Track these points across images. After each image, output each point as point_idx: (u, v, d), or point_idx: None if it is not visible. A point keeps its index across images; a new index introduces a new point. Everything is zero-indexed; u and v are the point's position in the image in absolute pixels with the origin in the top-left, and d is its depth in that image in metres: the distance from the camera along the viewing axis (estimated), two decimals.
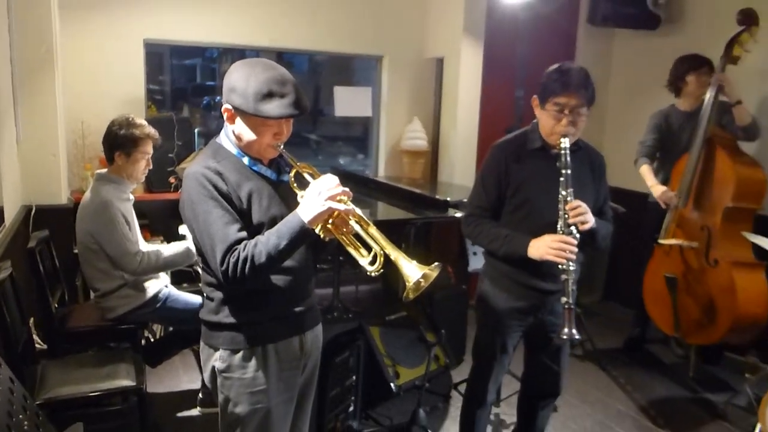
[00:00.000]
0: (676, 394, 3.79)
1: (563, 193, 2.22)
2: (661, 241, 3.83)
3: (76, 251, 3.05)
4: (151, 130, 2.93)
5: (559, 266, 2.19)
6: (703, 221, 3.69)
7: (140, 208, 3.16)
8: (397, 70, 4.92)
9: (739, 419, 3.41)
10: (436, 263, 1.72)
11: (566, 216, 2.21)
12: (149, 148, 2.94)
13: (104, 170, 2.99)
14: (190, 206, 1.72)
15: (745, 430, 3.20)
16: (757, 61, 3.97)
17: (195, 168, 1.74)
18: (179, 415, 3.25)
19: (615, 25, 4.87)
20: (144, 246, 2.98)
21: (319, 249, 1.95)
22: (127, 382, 2.53)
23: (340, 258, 4.34)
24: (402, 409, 3.28)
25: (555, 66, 2.31)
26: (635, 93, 4.97)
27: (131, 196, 3.01)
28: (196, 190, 1.71)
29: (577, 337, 2.19)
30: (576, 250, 2.18)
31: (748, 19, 3.57)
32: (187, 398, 3.35)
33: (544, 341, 2.49)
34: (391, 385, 3.20)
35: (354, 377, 3.07)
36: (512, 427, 2.84)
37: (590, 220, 2.24)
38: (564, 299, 2.20)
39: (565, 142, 2.23)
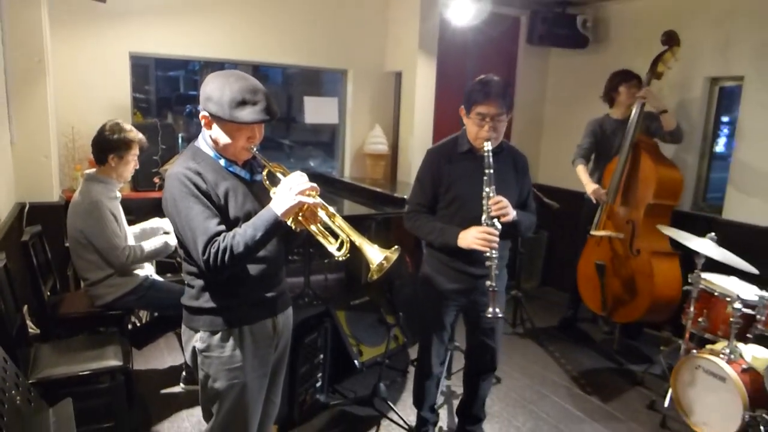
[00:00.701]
0: (603, 365, 3.89)
1: (486, 190, 2.29)
2: (592, 233, 3.94)
3: (67, 245, 2.98)
4: (140, 135, 2.93)
5: (485, 254, 2.27)
6: (629, 215, 3.81)
7: (127, 205, 3.12)
8: (360, 82, 4.94)
9: (655, 385, 3.54)
10: (396, 246, 1.76)
11: (489, 210, 2.28)
12: (137, 151, 2.93)
13: (93, 170, 2.94)
14: (173, 203, 1.72)
15: (660, 395, 3.30)
16: (676, 75, 4.13)
17: (176, 169, 1.74)
18: (163, 392, 3.21)
19: (550, 45, 4.97)
20: (131, 240, 2.94)
21: (291, 240, 1.96)
22: (115, 363, 2.50)
23: (311, 250, 4.34)
24: (365, 383, 3.30)
25: (477, 78, 2.37)
26: (568, 103, 5.10)
27: (119, 194, 2.97)
28: (177, 189, 1.71)
29: (500, 315, 2.28)
30: (498, 239, 2.26)
31: (671, 40, 3.71)
32: (170, 377, 3.31)
33: (478, 319, 2.56)
34: (355, 362, 3.23)
35: (322, 355, 3.09)
36: (461, 397, 2.89)
37: (510, 213, 2.31)
38: (488, 282, 2.27)
39: (488, 146, 2.30)
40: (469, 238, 2.31)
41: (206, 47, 4.26)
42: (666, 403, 3.18)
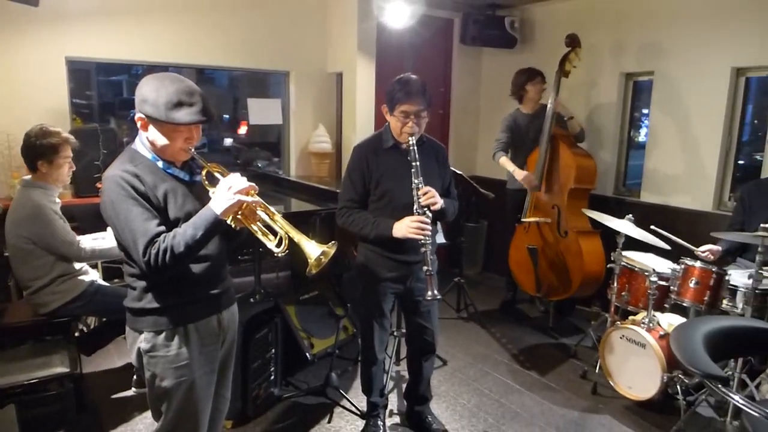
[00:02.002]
0: (540, 341, 4.04)
1: (415, 181, 2.35)
2: (523, 220, 4.09)
3: (6, 254, 2.84)
4: (67, 135, 2.76)
5: (419, 241, 2.33)
6: (554, 201, 3.97)
7: (70, 212, 3.00)
8: (302, 83, 4.91)
9: (586, 356, 3.70)
10: (333, 242, 1.78)
11: (419, 200, 2.34)
12: (69, 152, 2.77)
13: (29, 177, 2.79)
14: (111, 206, 1.68)
15: (591, 365, 3.46)
16: (583, 74, 4.31)
17: (113, 171, 1.70)
18: (115, 397, 3.11)
19: (482, 45, 5.08)
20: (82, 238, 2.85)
21: (232, 238, 1.94)
22: (62, 370, 2.42)
23: (260, 249, 4.29)
24: (317, 374, 3.30)
25: (397, 78, 2.42)
26: (501, 99, 5.21)
27: (58, 200, 2.84)
28: (115, 192, 1.66)
29: (438, 296, 2.35)
30: (430, 227, 2.33)
31: (573, 42, 3.93)
32: (122, 381, 3.21)
33: (415, 304, 2.62)
34: (307, 354, 3.23)
35: (273, 350, 3.07)
36: (408, 380, 2.94)
37: (439, 201, 2.40)
38: (425, 267, 2.34)
39: (412, 140, 2.35)
40: (404, 228, 2.36)
41: (148, 51, 4.13)
42: (596, 372, 3.34)
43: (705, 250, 3.22)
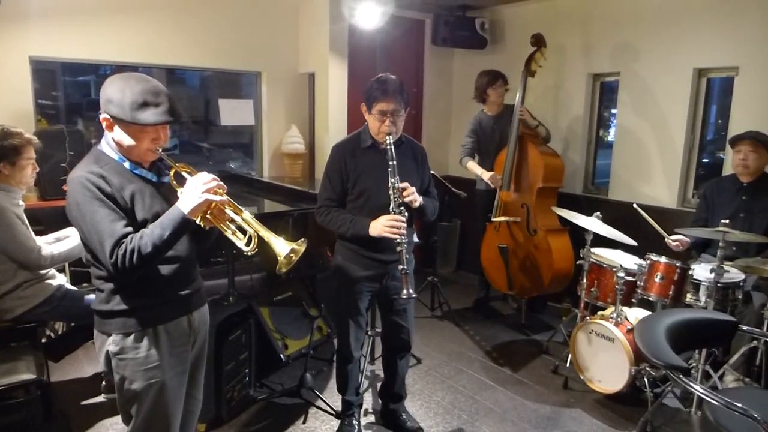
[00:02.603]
0: (513, 338, 4.09)
1: (392, 180, 2.36)
2: (493, 219, 4.14)
3: None
4: (29, 136, 2.69)
5: (395, 240, 2.35)
6: (523, 200, 4.03)
7: (35, 215, 2.92)
8: (274, 83, 4.88)
9: (557, 352, 3.75)
10: (302, 239, 1.78)
11: (396, 199, 2.36)
12: (32, 153, 2.70)
13: None
14: (77, 208, 1.65)
15: (562, 360, 3.53)
16: (551, 75, 4.39)
17: (78, 173, 1.67)
18: (85, 403, 3.05)
19: (453, 46, 5.12)
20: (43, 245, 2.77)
21: (202, 239, 1.92)
22: (27, 376, 2.35)
23: (234, 251, 4.25)
24: (292, 375, 3.29)
25: (375, 77, 2.44)
26: (471, 99, 5.26)
27: (21, 202, 2.76)
28: (81, 193, 1.64)
29: (414, 295, 2.37)
30: (405, 226, 2.35)
31: (538, 41, 4.00)
32: (91, 387, 3.15)
33: (391, 302, 2.64)
34: (281, 355, 3.22)
35: (247, 352, 3.05)
36: (383, 379, 2.95)
37: (418, 198, 2.42)
38: (401, 267, 2.36)
39: (389, 140, 2.37)
40: (380, 227, 2.37)
41: (116, 51, 4.06)
42: (567, 367, 3.40)
43: (675, 239, 3.30)
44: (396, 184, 2.36)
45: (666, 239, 3.28)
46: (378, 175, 2.43)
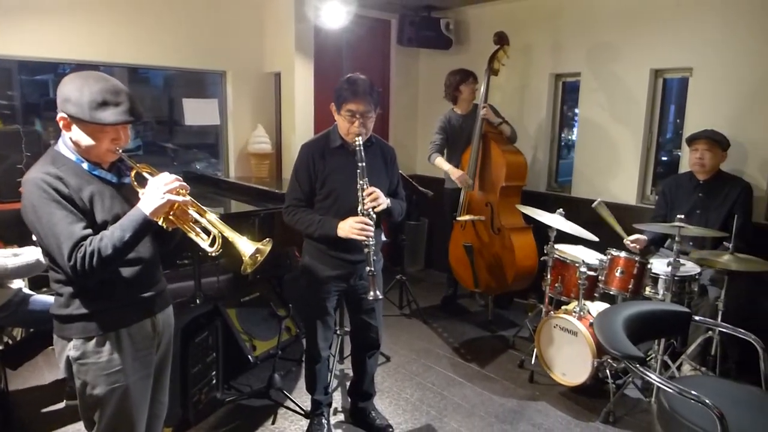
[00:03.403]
0: (480, 334, 4.15)
1: (360, 182, 2.37)
2: (458, 218, 4.19)
3: None
4: None
5: (362, 242, 2.36)
6: (486, 198, 4.09)
7: None
8: (240, 83, 4.83)
9: (523, 347, 3.83)
10: (267, 239, 1.77)
11: (364, 201, 2.36)
12: None
13: None
14: (33, 210, 1.60)
15: (528, 354, 3.59)
16: (515, 75, 4.47)
17: (34, 174, 1.62)
18: (46, 410, 2.96)
19: (418, 46, 5.15)
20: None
21: (165, 240, 1.90)
22: None
23: (200, 253, 4.18)
24: (261, 376, 3.27)
25: (345, 77, 2.43)
26: (438, 99, 5.27)
27: None
28: (36, 195, 1.59)
29: (380, 296, 2.40)
30: (373, 228, 2.36)
31: (501, 39, 4.05)
32: (53, 395, 3.07)
33: (359, 302, 2.65)
34: (249, 356, 3.18)
35: (214, 354, 3.01)
36: (352, 377, 2.95)
37: (383, 202, 2.42)
38: (368, 268, 2.38)
39: (359, 141, 2.37)
40: (348, 229, 2.38)
41: (75, 49, 3.95)
42: (533, 361, 3.47)
43: (633, 239, 3.40)
44: (364, 186, 2.37)
45: (624, 240, 3.38)
46: (347, 176, 2.43)
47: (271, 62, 4.88)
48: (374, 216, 2.39)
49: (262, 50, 4.89)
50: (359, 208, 2.38)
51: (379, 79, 5.42)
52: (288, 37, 4.60)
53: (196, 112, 4.74)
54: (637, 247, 3.38)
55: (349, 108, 2.37)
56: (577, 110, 4.73)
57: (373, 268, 2.37)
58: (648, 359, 3.13)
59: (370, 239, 2.36)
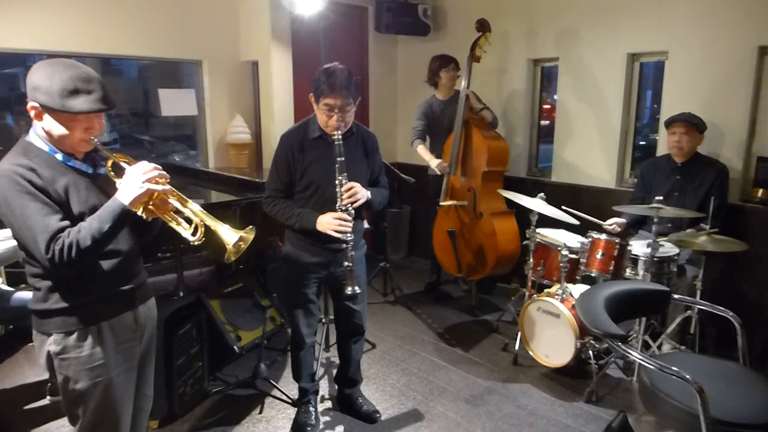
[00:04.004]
0: (464, 319, 4.18)
1: (339, 178, 2.37)
2: (441, 204, 4.19)
3: None
4: None
5: (341, 238, 2.37)
6: (469, 184, 4.10)
7: None
8: (216, 72, 4.75)
9: (507, 331, 3.87)
10: (250, 227, 1.75)
11: (342, 197, 2.36)
12: None
13: None
14: (5, 204, 1.55)
15: (512, 338, 3.63)
16: (494, 61, 4.47)
17: (5, 166, 1.57)
18: (28, 407, 2.91)
19: (396, 32, 5.12)
20: None
21: (145, 231, 1.86)
22: None
23: (182, 246, 4.14)
24: (246, 366, 3.26)
25: (322, 68, 2.38)
26: (417, 86, 5.28)
27: None
28: (9, 188, 1.54)
29: (358, 290, 2.43)
30: (351, 224, 2.37)
31: (483, 26, 4.04)
32: (34, 391, 3.02)
33: (341, 288, 2.63)
34: (234, 347, 3.16)
35: (198, 345, 2.99)
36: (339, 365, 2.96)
37: (361, 198, 2.42)
38: (346, 263, 2.40)
39: (338, 135, 2.35)
40: (325, 224, 2.39)
41: (45, 39, 3.83)
42: (516, 345, 3.50)
43: (611, 223, 3.45)
44: (343, 181, 2.36)
45: (603, 225, 3.42)
46: (326, 168, 2.42)
47: (247, 51, 4.80)
48: (353, 212, 2.39)
49: (238, 39, 4.82)
50: (337, 204, 2.38)
51: (357, 67, 5.37)
52: (264, 25, 4.53)
53: (173, 103, 4.66)
54: (618, 229, 3.43)
55: (327, 102, 2.34)
56: (555, 96, 4.76)
57: (351, 264, 2.40)
58: (629, 339, 3.19)
59: (348, 235, 2.37)
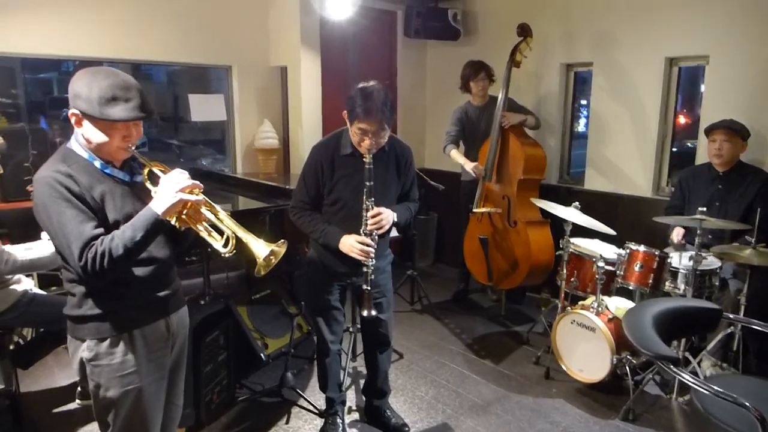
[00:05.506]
0: (493, 330, 4.09)
1: (366, 202, 2.33)
2: (474, 210, 4.12)
3: None
4: None
5: (362, 262, 2.35)
6: (504, 191, 4.02)
7: None
8: (245, 78, 4.77)
9: (538, 342, 3.77)
10: (282, 240, 1.72)
11: (368, 221, 2.33)
12: None
13: None
14: (43, 209, 1.56)
15: (543, 350, 3.54)
16: (527, 66, 4.39)
17: (45, 172, 1.58)
18: (57, 411, 2.93)
19: (425, 37, 5.07)
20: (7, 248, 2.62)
21: (180, 239, 1.85)
22: None
23: (208, 250, 4.15)
24: (273, 375, 3.23)
25: (359, 88, 2.32)
26: (447, 91, 5.23)
27: None
28: (47, 194, 1.55)
29: (374, 313, 2.41)
30: (374, 250, 2.34)
31: (524, 31, 3.96)
32: (64, 395, 3.04)
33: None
34: (261, 355, 3.13)
35: (225, 353, 2.97)
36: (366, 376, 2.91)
37: (386, 225, 2.38)
38: (364, 286, 2.38)
39: (369, 159, 2.30)
40: (348, 246, 2.37)
41: (78, 46, 3.89)
42: (548, 357, 3.41)
43: (677, 235, 3.35)
44: (370, 206, 2.33)
45: (673, 241, 3.32)
46: (355, 185, 2.38)
47: (276, 56, 4.81)
48: (377, 237, 2.37)
49: (267, 44, 4.83)
50: (362, 229, 2.35)
51: (385, 72, 5.35)
52: (293, 31, 4.53)
53: (203, 108, 4.69)
54: (683, 241, 3.32)
55: (361, 126, 2.29)
56: (582, 102, 4.66)
57: (369, 287, 2.38)
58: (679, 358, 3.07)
59: (371, 260, 2.35)
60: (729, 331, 3.03)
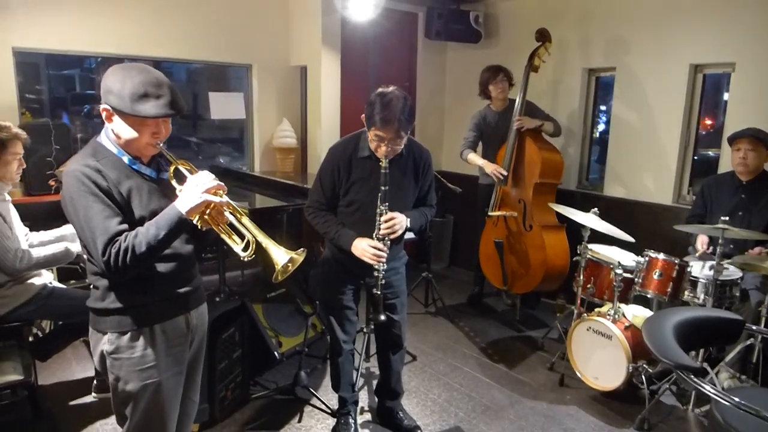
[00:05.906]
0: (507, 334, 4.08)
1: (381, 207, 2.34)
2: (490, 214, 4.11)
3: None
4: (17, 131, 2.59)
5: (374, 266, 2.37)
6: (520, 195, 4.01)
7: (21, 211, 2.82)
8: (265, 77, 4.81)
9: (553, 348, 3.75)
10: (302, 249, 1.73)
11: (380, 227, 2.35)
12: (19, 149, 2.61)
13: None
14: (71, 203, 1.59)
15: (558, 356, 3.51)
16: (547, 70, 4.37)
17: (74, 166, 1.61)
18: (74, 403, 2.97)
19: (446, 39, 5.06)
20: (24, 245, 2.67)
21: (200, 239, 1.87)
22: (14, 377, 2.29)
23: (225, 247, 4.18)
24: (286, 373, 3.25)
25: (378, 94, 2.30)
26: (466, 94, 5.22)
27: (7, 197, 2.67)
28: (75, 187, 1.58)
29: (382, 318, 2.44)
30: (386, 255, 2.36)
31: (543, 36, 3.95)
32: (81, 387, 3.08)
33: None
34: (275, 353, 3.16)
35: (240, 350, 3.00)
36: (378, 376, 2.92)
37: (399, 230, 2.39)
38: (375, 291, 2.40)
39: (385, 163, 2.30)
40: (361, 250, 2.38)
41: (101, 42, 3.96)
42: (563, 364, 3.39)
43: (701, 244, 3.31)
44: (384, 211, 2.33)
45: (699, 250, 3.28)
46: (371, 188, 2.39)
47: (297, 56, 4.84)
48: (389, 242, 2.38)
49: (288, 43, 4.86)
50: (375, 233, 2.36)
51: (405, 73, 5.35)
52: (314, 30, 4.56)
53: (222, 106, 4.73)
54: (708, 250, 3.28)
55: (378, 133, 2.29)
56: (602, 107, 4.62)
57: (379, 292, 2.39)
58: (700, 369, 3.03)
59: (382, 265, 2.36)
60: (749, 342, 2.99)
